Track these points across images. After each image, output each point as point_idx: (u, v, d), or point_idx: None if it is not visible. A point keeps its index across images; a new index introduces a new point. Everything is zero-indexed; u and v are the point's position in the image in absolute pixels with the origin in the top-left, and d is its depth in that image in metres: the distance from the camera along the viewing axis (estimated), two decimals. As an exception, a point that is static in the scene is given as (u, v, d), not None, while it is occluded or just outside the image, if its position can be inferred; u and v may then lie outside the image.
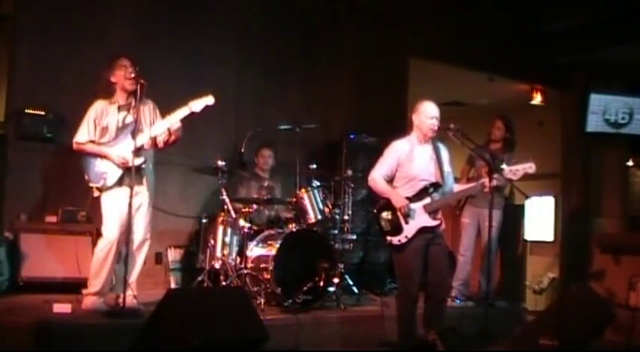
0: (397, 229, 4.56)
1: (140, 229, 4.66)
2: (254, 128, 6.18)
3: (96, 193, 4.65)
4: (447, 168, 4.71)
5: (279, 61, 7.14)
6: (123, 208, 4.54)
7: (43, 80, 5.78)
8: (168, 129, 4.63)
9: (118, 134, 4.64)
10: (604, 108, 8.94)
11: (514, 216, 7.11)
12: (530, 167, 4.62)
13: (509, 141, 6.34)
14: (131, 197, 4.46)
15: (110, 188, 4.60)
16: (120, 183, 4.61)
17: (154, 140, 4.66)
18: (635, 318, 5.70)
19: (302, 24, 7.30)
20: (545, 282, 8.44)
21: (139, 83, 4.49)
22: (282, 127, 6.01)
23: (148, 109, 4.72)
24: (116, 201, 4.59)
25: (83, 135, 4.64)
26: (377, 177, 4.70)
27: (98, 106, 4.68)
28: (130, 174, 4.56)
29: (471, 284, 6.48)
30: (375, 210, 4.73)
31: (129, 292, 4.37)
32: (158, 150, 4.80)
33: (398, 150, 4.68)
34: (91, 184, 4.62)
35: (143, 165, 4.63)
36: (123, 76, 4.62)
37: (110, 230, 4.58)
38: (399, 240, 4.54)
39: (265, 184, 6.04)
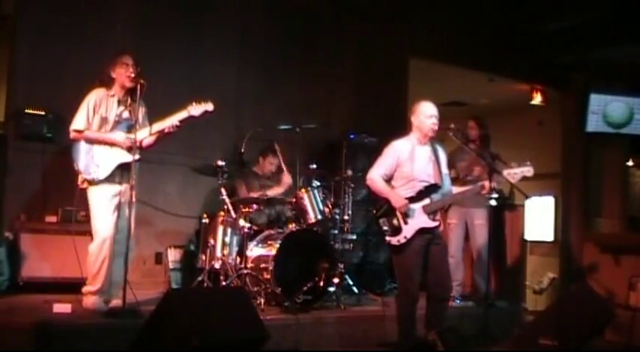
0: (396, 229, 4.55)
1: (123, 231, 4.55)
2: (254, 128, 6.18)
3: (84, 185, 4.57)
4: (444, 169, 4.72)
5: (280, 61, 7.14)
6: (111, 204, 4.55)
7: (43, 80, 5.79)
8: (163, 130, 4.64)
9: (114, 127, 4.64)
10: (604, 109, 8.94)
11: (514, 216, 7.11)
12: (528, 171, 4.63)
13: (485, 137, 6.32)
14: (132, 193, 4.47)
15: (100, 182, 4.56)
16: (110, 178, 4.58)
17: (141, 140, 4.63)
18: (635, 318, 5.71)
19: (302, 24, 7.30)
20: (545, 282, 8.44)
21: (138, 83, 4.49)
22: (282, 127, 6.01)
23: (141, 110, 4.71)
24: (105, 196, 4.56)
25: (82, 123, 4.58)
26: (375, 176, 4.69)
27: (97, 94, 4.64)
28: (120, 171, 4.58)
29: (466, 284, 6.49)
30: (374, 211, 4.73)
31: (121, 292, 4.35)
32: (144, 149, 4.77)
33: (397, 151, 4.68)
34: (83, 175, 4.55)
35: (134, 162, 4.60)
36: (123, 74, 4.62)
37: (103, 226, 4.54)
38: (398, 241, 4.54)
39: (265, 184, 6.04)
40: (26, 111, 5.66)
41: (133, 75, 4.56)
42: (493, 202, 5.28)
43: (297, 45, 7.28)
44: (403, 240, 4.53)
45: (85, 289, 4.61)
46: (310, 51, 7.39)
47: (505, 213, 6.97)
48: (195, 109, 4.63)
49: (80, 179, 4.61)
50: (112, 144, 4.60)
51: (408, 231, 4.53)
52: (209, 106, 4.66)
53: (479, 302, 5.99)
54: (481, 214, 6.02)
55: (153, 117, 4.78)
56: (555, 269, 9.06)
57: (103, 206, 4.56)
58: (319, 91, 7.39)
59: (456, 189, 4.81)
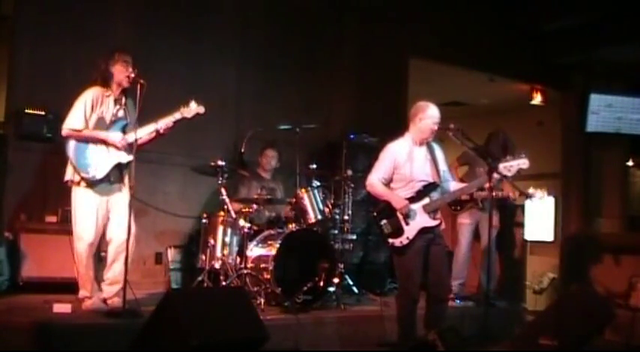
0: (398, 231, 4.55)
1: (121, 229, 4.53)
2: (254, 128, 6.18)
3: (81, 185, 4.54)
4: (442, 166, 4.72)
5: (280, 61, 7.14)
6: (101, 206, 4.55)
7: (43, 80, 5.78)
8: (157, 131, 4.66)
9: (109, 126, 4.63)
10: (604, 108, 8.96)
11: (514, 216, 7.12)
12: (524, 163, 4.60)
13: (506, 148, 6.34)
14: (131, 193, 4.48)
15: (97, 182, 4.54)
16: (105, 177, 4.57)
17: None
18: (635, 318, 5.71)
19: (302, 24, 7.30)
20: (545, 282, 8.44)
21: (138, 83, 4.48)
22: (282, 127, 6.01)
23: (133, 110, 4.71)
24: (90, 199, 4.54)
25: (79, 122, 4.53)
26: (374, 181, 4.68)
27: (95, 93, 4.61)
28: (115, 171, 4.59)
29: (469, 284, 6.50)
30: (375, 213, 4.72)
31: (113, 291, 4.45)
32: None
33: (394, 153, 4.68)
34: (81, 174, 4.51)
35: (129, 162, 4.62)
36: (123, 72, 4.60)
37: (87, 230, 4.52)
38: (401, 242, 4.54)
39: (266, 185, 6.04)
40: (26, 111, 5.65)
41: (131, 75, 4.55)
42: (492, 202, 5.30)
43: (297, 45, 7.28)
44: (406, 241, 4.53)
45: (80, 294, 4.62)
46: (310, 51, 7.39)
47: (505, 212, 6.98)
48: (188, 112, 4.70)
49: (70, 174, 4.56)
50: (106, 143, 4.59)
51: (410, 231, 4.53)
52: (200, 109, 4.72)
53: (479, 302, 5.99)
54: (494, 215, 6.01)
55: (152, 117, 4.78)
56: (555, 269, 9.06)
57: (87, 209, 4.54)
58: (319, 91, 7.39)
59: (454, 186, 4.80)
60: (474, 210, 6.24)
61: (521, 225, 7.20)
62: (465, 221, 6.30)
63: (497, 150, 6.21)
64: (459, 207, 6.32)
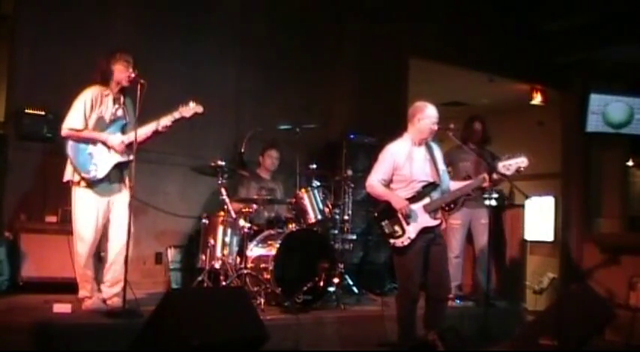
0: (399, 231, 4.54)
1: (121, 231, 4.52)
2: (254, 128, 6.18)
3: (81, 184, 4.54)
4: (442, 166, 4.73)
5: (280, 61, 7.14)
6: (101, 206, 4.55)
7: (43, 80, 5.78)
8: (156, 130, 4.66)
9: (108, 126, 4.64)
10: (604, 109, 8.96)
11: (514, 216, 7.11)
12: (522, 161, 4.59)
13: (486, 139, 6.35)
14: (131, 193, 4.48)
15: (97, 182, 4.54)
16: (106, 177, 4.57)
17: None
18: (635, 318, 5.71)
19: (303, 24, 7.30)
20: (545, 282, 8.45)
21: (139, 83, 4.48)
22: (282, 127, 6.02)
23: (132, 109, 4.71)
24: (91, 199, 4.54)
25: (79, 122, 4.53)
26: (374, 182, 4.68)
27: (94, 92, 4.61)
28: (115, 171, 4.60)
29: (466, 283, 6.49)
30: (375, 214, 4.72)
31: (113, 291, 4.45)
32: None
33: (393, 154, 4.67)
34: (82, 174, 4.51)
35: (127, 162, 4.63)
36: (124, 72, 4.59)
37: (87, 229, 4.53)
38: (402, 242, 4.53)
39: (266, 185, 6.04)
40: (26, 111, 5.65)
41: (132, 75, 4.55)
42: (493, 202, 5.29)
43: (297, 45, 7.28)
44: (407, 242, 4.52)
45: (80, 294, 4.62)
46: (310, 51, 7.39)
47: (505, 213, 6.97)
48: (187, 111, 4.69)
49: (70, 174, 4.56)
50: (101, 143, 4.59)
51: (412, 231, 4.53)
52: (199, 109, 4.72)
53: (479, 302, 5.99)
54: (485, 214, 6.00)
55: (152, 116, 4.78)
56: (555, 269, 9.06)
57: (87, 209, 4.54)
58: (319, 91, 7.39)
59: (454, 185, 4.80)
60: (465, 209, 6.20)
61: (515, 205, 7.11)
62: (456, 222, 6.25)
63: (473, 141, 6.20)
64: (452, 205, 6.27)
